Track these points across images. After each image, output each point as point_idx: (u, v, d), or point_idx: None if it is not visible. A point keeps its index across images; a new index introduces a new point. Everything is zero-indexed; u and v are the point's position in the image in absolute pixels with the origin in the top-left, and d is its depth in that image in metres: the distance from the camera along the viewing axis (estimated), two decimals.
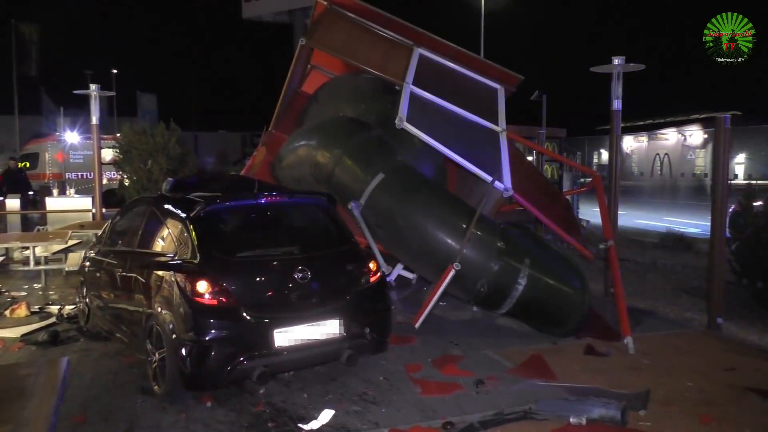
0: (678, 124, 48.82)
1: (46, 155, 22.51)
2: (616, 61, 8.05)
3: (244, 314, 4.71)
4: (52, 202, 14.09)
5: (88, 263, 6.83)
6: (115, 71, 39.94)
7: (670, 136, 50.43)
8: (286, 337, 4.81)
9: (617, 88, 8.14)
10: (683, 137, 48.78)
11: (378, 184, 6.75)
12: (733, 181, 12.26)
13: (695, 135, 47.29)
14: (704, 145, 44.87)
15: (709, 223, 7.08)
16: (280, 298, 4.94)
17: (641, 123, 50.15)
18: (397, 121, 6.79)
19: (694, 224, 16.76)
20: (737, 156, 42.76)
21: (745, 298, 8.10)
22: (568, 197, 11.63)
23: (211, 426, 4.51)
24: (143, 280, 5.26)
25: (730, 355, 6.02)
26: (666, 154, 47.81)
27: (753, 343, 6.60)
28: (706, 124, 42.38)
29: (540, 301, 6.39)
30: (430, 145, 6.95)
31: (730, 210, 8.36)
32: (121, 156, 15.14)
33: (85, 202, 13.80)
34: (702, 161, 45.16)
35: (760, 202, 8.69)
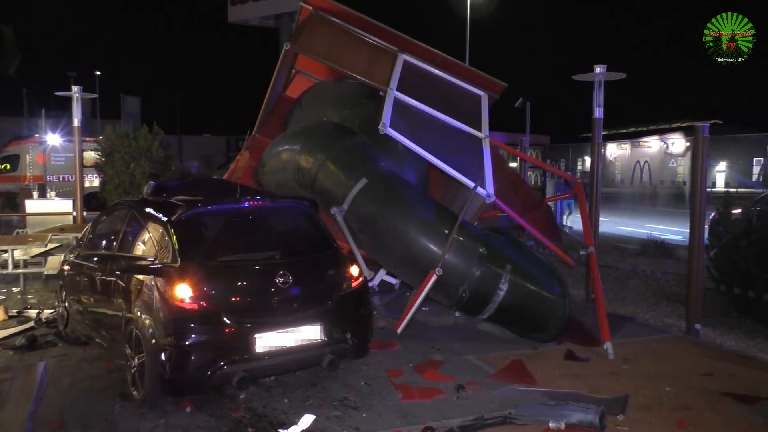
0: (660, 132, 49.50)
1: (27, 157, 22.24)
2: (597, 69, 8.14)
3: (225, 319, 4.69)
4: (32, 205, 13.93)
5: (67, 267, 6.75)
6: (98, 73, 39.60)
7: (652, 144, 51.10)
8: (266, 341, 4.79)
9: (599, 96, 8.22)
10: (665, 145, 49.46)
11: (361, 189, 6.75)
12: (712, 189, 12.43)
13: (677, 143, 47.93)
14: (685, 153, 45.46)
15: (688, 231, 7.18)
16: (261, 303, 4.92)
17: (624, 131, 50.75)
18: (380, 126, 6.81)
19: (675, 231, 16.94)
20: (718, 164, 43.43)
21: (723, 304, 8.23)
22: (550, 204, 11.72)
23: None
24: (123, 284, 5.22)
25: (707, 360, 6.09)
26: (646, 161, 48.37)
27: (730, 349, 6.70)
28: (687, 132, 42.98)
29: (521, 306, 6.44)
30: (414, 151, 6.98)
31: (710, 217, 8.49)
32: (103, 159, 15.05)
33: (65, 205, 13.67)
34: (683, 169, 45.73)
35: (738, 210, 8.83)
